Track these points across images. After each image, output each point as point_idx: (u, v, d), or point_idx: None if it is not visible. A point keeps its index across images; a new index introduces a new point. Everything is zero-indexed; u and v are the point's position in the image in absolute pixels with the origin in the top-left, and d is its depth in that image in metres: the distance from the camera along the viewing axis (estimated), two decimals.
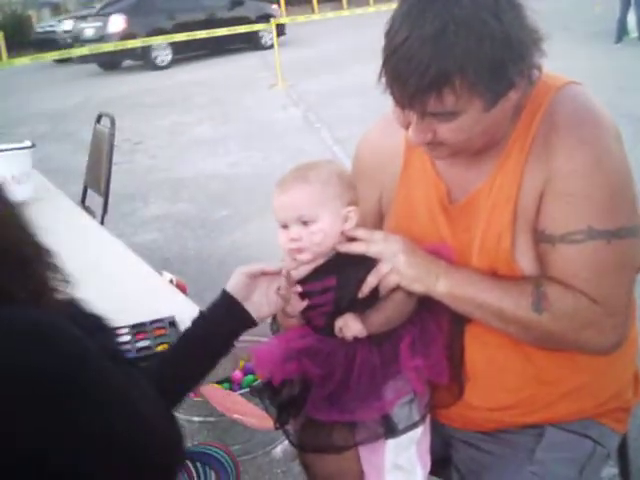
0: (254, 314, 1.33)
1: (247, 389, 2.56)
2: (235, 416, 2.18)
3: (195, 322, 1.32)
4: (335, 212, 1.34)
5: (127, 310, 1.70)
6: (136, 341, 1.57)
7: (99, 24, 14.96)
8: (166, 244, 4.78)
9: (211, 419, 2.49)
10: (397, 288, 1.32)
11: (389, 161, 1.46)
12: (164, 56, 14.61)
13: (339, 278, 1.34)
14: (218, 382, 2.59)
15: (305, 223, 1.32)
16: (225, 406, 2.28)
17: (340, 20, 17.91)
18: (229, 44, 15.02)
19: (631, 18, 11.54)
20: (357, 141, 1.57)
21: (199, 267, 4.10)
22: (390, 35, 1.17)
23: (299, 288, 1.35)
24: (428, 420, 1.40)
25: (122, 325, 1.61)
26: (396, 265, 1.31)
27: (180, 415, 2.53)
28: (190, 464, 1.42)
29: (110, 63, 14.96)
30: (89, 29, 15.25)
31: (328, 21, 17.74)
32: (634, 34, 11.64)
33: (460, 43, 1.10)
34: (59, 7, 24.83)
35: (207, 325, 1.31)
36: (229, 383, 2.67)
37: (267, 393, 1.44)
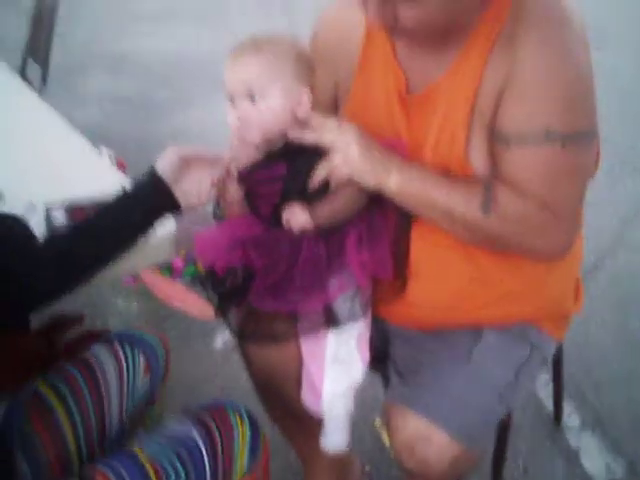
0: (181, 199, 1.27)
1: (188, 278, 2.53)
2: (175, 303, 2.16)
3: (115, 197, 1.26)
4: (288, 91, 1.26)
5: (63, 185, 1.62)
6: (72, 220, 1.48)
7: None
8: (105, 122, 4.59)
9: (150, 306, 2.46)
10: (348, 181, 1.28)
11: (348, 44, 1.38)
12: None
13: (289, 167, 1.28)
14: (158, 269, 2.56)
15: (254, 98, 1.24)
16: (165, 294, 2.25)
17: None
18: None
19: None
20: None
21: (138, 148, 3.93)
22: None
23: (235, 175, 1.30)
24: (369, 314, 1.39)
25: (58, 202, 1.53)
26: (349, 156, 1.26)
27: (118, 302, 2.50)
28: (118, 346, 1.39)
29: None
30: None
31: None
32: None
33: None
34: None
35: (127, 200, 1.25)
36: (169, 271, 2.62)
37: (209, 281, 1.41)
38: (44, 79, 3.24)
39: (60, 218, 1.51)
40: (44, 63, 3.28)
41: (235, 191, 1.32)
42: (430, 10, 1.12)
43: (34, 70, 3.34)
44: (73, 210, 1.52)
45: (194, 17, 7.23)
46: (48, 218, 1.51)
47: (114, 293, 2.46)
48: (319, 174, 1.27)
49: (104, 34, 6.73)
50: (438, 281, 1.36)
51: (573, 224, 1.28)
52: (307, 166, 1.28)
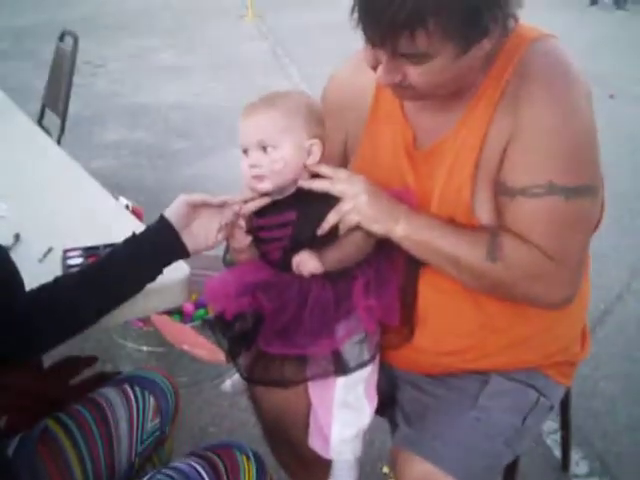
0: (190, 245, 1.31)
1: (198, 322, 2.55)
2: (184, 347, 2.18)
3: (125, 241, 1.30)
4: (298, 142, 1.31)
5: (81, 232, 1.66)
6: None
7: None
8: (122, 172, 4.68)
9: (160, 349, 2.48)
10: (356, 228, 1.31)
11: (357, 101, 1.43)
12: None
13: (299, 213, 1.32)
14: (169, 313, 2.58)
15: (266, 149, 1.29)
16: (175, 337, 2.27)
17: None
18: None
19: None
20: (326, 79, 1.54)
21: (155, 198, 4.00)
22: None
23: (243, 223, 1.34)
24: (377, 360, 1.41)
25: (74, 247, 1.58)
26: (358, 204, 1.30)
27: (129, 344, 2.52)
28: (128, 388, 1.42)
29: None
30: None
31: None
32: None
33: None
34: None
35: (136, 246, 1.29)
36: (180, 315, 2.65)
37: (219, 326, 1.43)
38: (62, 129, 3.32)
39: (77, 262, 1.54)
40: (63, 113, 3.36)
41: (243, 237, 1.36)
42: (436, 70, 1.17)
43: (52, 120, 3.43)
44: (89, 255, 1.56)
45: (210, 70, 7.42)
46: (65, 262, 1.54)
47: (124, 336, 2.48)
48: (329, 221, 1.31)
49: (123, 86, 6.92)
50: (446, 327, 1.38)
51: (577, 274, 1.30)
52: (317, 213, 1.32)
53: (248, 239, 1.36)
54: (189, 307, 2.68)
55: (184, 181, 4.46)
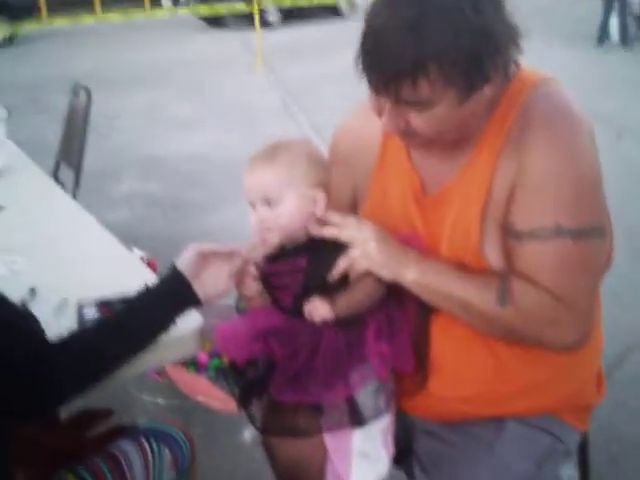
0: (201, 293, 1.33)
1: (213, 372, 2.55)
2: (199, 398, 2.17)
3: (139, 293, 1.32)
4: (301, 193, 1.34)
5: (95, 284, 1.68)
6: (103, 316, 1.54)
7: None
8: (136, 223, 4.72)
9: (176, 402, 2.47)
10: (367, 273, 1.33)
11: (365, 150, 1.46)
12: None
13: (309, 260, 1.34)
14: (184, 364, 2.58)
15: (270, 204, 1.32)
16: (189, 388, 2.27)
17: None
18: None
19: (613, 22, 11.62)
20: (334, 128, 1.57)
21: (169, 249, 3.99)
22: (369, 19, 1.17)
23: (253, 270, 1.36)
24: (394, 409, 1.41)
25: (89, 299, 1.59)
26: (367, 250, 1.31)
27: (144, 397, 2.52)
28: (144, 441, 1.42)
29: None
30: None
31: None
32: (615, 38, 11.74)
33: (438, 32, 1.11)
34: None
35: (149, 297, 1.31)
36: (195, 366, 2.65)
37: (231, 374, 1.44)
38: (77, 182, 3.36)
39: (92, 315, 1.56)
40: (77, 167, 3.41)
41: (253, 284, 1.37)
42: (439, 117, 1.19)
43: (67, 173, 3.48)
44: (104, 307, 1.58)
45: (223, 121, 7.52)
46: (80, 314, 1.56)
47: (140, 388, 2.48)
48: (339, 267, 1.33)
49: (136, 138, 7.01)
50: (460, 373, 1.38)
51: (587, 316, 1.29)
52: (327, 259, 1.33)
53: (258, 286, 1.37)
54: (203, 357, 2.68)
55: (198, 232, 4.49)
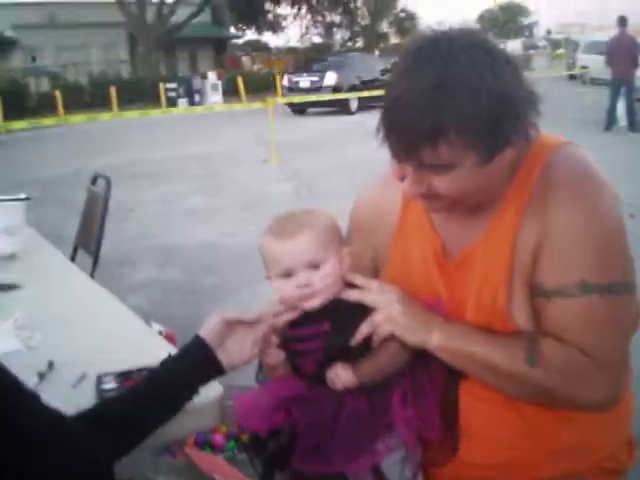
0: (225, 362, 1.31)
1: (229, 453, 2.50)
2: (217, 477, 2.12)
3: (162, 364, 1.30)
4: (337, 254, 1.34)
5: (115, 358, 1.68)
6: (123, 388, 1.53)
7: (315, 78, 19.65)
8: (152, 310, 4.70)
9: None
10: (391, 338, 1.31)
11: (385, 217, 1.46)
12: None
13: (332, 324, 1.32)
14: (200, 447, 2.54)
15: (315, 267, 1.31)
16: (209, 467, 2.22)
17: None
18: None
19: (620, 107, 11.90)
20: (348, 212, 1.58)
21: (185, 334, 4.00)
22: (390, 87, 1.19)
23: (275, 339, 1.34)
24: (420, 478, 1.36)
25: (108, 372, 1.58)
26: (391, 314, 1.30)
27: (160, 478, 2.46)
28: None
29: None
30: (304, 82, 19.95)
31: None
32: (623, 122, 11.98)
33: (457, 97, 1.12)
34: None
35: (173, 367, 1.29)
36: (211, 448, 2.61)
37: (253, 447, 1.40)
38: (95, 266, 3.40)
39: (111, 387, 1.54)
40: (95, 253, 3.45)
41: (277, 353, 1.35)
42: (461, 179, 1.20)
43: (84, 260, 3.52)
44: (123, 380, 1.56)
45: (238, 211, 7.63)
46: (99, 387, 1.54)
47: (155, 470, 2.42)
48: (362, 331, 1.31)
49: (153, 229, 7.11)
50: (491, 439, 1.33)
51: (618, 373, 1.26)
52: (350, 323, 1.32)
53: (282, 355, 1.35)
54: (220, 439, 2.64)
55: None
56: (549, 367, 1.23)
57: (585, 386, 1.23)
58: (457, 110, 1.12)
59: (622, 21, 12.02)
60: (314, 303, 1.32)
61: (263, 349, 1.34)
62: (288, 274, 1.32)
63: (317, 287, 1.31)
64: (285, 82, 20.84)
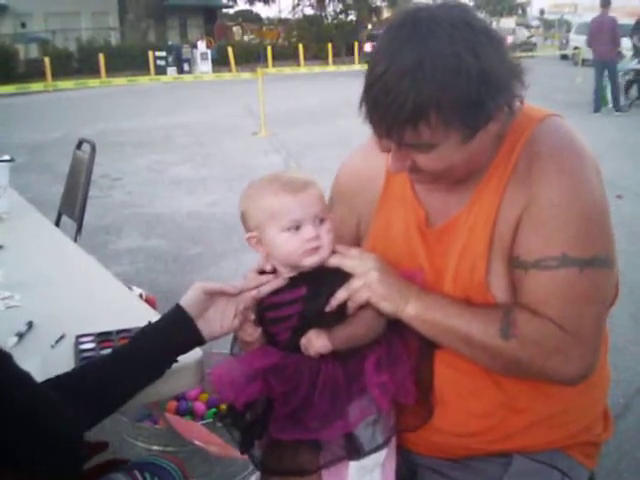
0: (205, 332, 1.31)
1: (210, 420, 2.51)
2: (197, 443, 2.13)
3: (142, 331, 1.30)
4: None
5: (95, 319, 1.68)
6: (101, 349, 1.53)
7: None
8: (137, 277, 4.70)
9: (170, 449, 2.42)
10: (366, 306, 1.31)
11: (369, 185, 1.46)
12: None
13: (309, 289, 1.32)
14: (181, 415, 2.54)
15: (321, 221, 1.32)
16: (189, 434, 2.23)
17: (325, 76, 18.28)
18: None
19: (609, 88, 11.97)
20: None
21: (169, 301, 3.99)
22: (371, 66, 1.18)
23: (252, 315, 1.34)
24: (394, 444, 1.37)
25: (87, 333, 1.58)
26: (368, 281, 1.30)
27: (139, 444, 2.47)
28: (138, 473, 1.38)
29: None
30: None
31: (315, 76, 18.14)
32: (611, 104, 12.04)
33: (436, 77, 1.11)
34: None
35: (153, 335, 1.30)
36: (191, 416, 2.62)
37: (230, 418, 1.41)
38: (79, 230, 3.40)
39: (89, 347, 1.54)
40: (79, 218, 3.44)
41: (253, 330, 1.35)
42: (443, 156, 1.20)
43: (67, 226, 3.50)
44: (102, 341, 1.56)
45: (225, 181, 7.59)
46: (77, 347, 1.54)
47: (134, 435, 2.43)
48: (339, 297, 1.31)
49: (139, 198, 7.07)
50: (465, 408, 1.34)
51: (593, 347, 1.27)
52: (327, 289, 1.31)
53: (257, 331, 1.35)
54: (201, 407, 2.65)
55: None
56: (523, 340, 1.23)
57: (559, 359, 1.24)
58: (436, 92, 1.11)
59: (605, 2, 12.00)
60: (318, 258, 1.32)
61: (240, 324, 1.34)
62: (297, 227, 1.31)
63: (324, 240, 1.31)
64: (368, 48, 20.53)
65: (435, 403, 1.35)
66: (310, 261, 1.31)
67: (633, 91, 12.66)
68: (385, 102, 1.14)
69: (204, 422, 2.47)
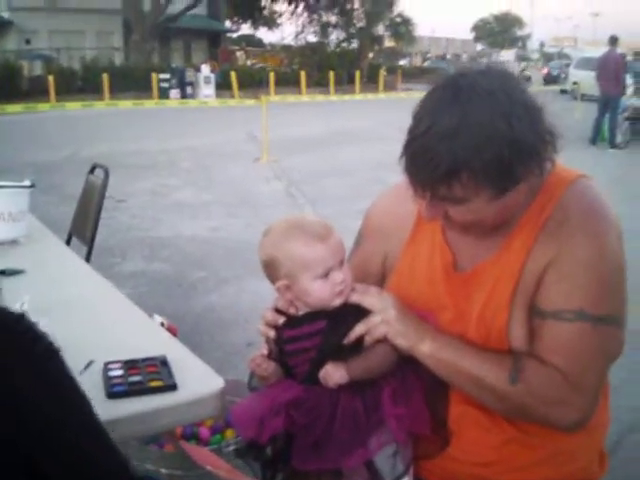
0: None
1: (215, 447, 2.56)
2: (209, 467, 2.20)
3: None
4: None
5: (120, 348, 1.74)
6: (129, 376, 1.60)
7: None
8: (139, 302, 4.74)
9: (178, 472, 2.47)
10: (383, 340, 1.39)
11: (400, 224, 1.54)
12: None
13: (329, 322, 1.40)
14: (187, 440, 2.59)
15: (342, 265, 1.41)
16: (200, 458, 2.29)
17: (327, 105, 18.45)
18: None
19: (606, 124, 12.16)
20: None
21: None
22: (415, 122, 1.28)
23: (264, 351, 1.41)
24: (411, 473, 1.43)
25: (115, 360, 1.65)
26: (387, 317, 1.38)
27: (148, 466, 2.52)
28: None
29: None
30: None
31: (317, 104, 18.31)
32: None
33: (471, 144, 1.21)
34: None
35: None
36: (196, 440, 2.65)
37: (252, 453, 1.46)
38: (89, 253, 3.44)
39: (118, 374, 1.62)
40: (90, 241, 3.49)
41: (268, 365, 1.42)
42: (474, 210, 1.30)
43: (77, 249, 3.56)
44: (130, 368, 1.64)
45: (228, 207, 7.67)
46: (106, 375, 1.62)
47: (142, 458, 2.48)
48: (357, 330, 1.38)
49: (143, 221, 7.13)
50: (479, 438, 1.41)
51: (592, 400, 1.35)
52: (346, 323, 1.40)
53: (272, 365, 1.42)
54: (205, 432, 2.68)
55: (201, 309, 4.56)
56: (530, 386, 1.31)
57: (560, 408, 1.32)
58: (470, 156, 1.21)
59: (612, 40, 12.34)
60: (343, 299, 1.40)
61: (255, 360, 1.41)
62: (327, 274, 1.39)
63: (348, 282, 1.40)
64: None
65: (451, 433, 1.43)
66: (337, 302, 1.39)
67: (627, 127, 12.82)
68: (423, 160, 1.24)
69: (209, 448, 2.52)
